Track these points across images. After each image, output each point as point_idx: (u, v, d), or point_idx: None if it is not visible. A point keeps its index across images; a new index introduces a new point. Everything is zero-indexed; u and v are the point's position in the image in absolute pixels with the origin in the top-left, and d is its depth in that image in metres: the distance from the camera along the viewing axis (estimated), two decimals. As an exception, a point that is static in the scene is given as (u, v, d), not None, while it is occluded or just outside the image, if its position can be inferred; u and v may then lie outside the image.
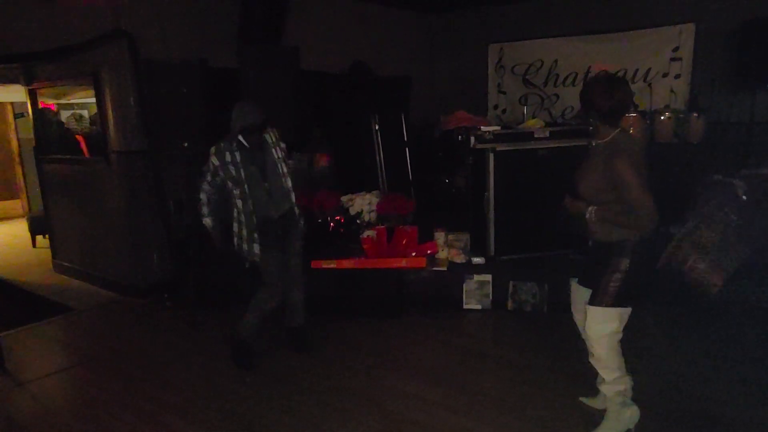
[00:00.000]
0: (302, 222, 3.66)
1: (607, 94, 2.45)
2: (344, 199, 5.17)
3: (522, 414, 2.92)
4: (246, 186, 3.37)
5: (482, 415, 2.96)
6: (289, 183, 3.52)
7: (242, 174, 3.35)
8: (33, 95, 5.80)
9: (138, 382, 3.51)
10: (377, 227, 4.82)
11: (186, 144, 4.40)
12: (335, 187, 5.51)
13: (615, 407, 2.66)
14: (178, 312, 4.62)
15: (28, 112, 6.02)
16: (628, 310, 2.56)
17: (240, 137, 3.32)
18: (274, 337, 3.92)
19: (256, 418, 3.03)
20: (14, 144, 8.67)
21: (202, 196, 3.47)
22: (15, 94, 6.89)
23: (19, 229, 7.87)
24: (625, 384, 2.63)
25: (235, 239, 3.50)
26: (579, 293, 2.79)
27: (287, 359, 3.69)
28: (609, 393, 2.65)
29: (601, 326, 2.56)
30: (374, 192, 5.25)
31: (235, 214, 3.46)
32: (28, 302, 5.12)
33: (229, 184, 3.39)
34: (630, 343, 2.79)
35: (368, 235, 4.74)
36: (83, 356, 3.98)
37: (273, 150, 3.45)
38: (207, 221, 3.50)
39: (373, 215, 5.06)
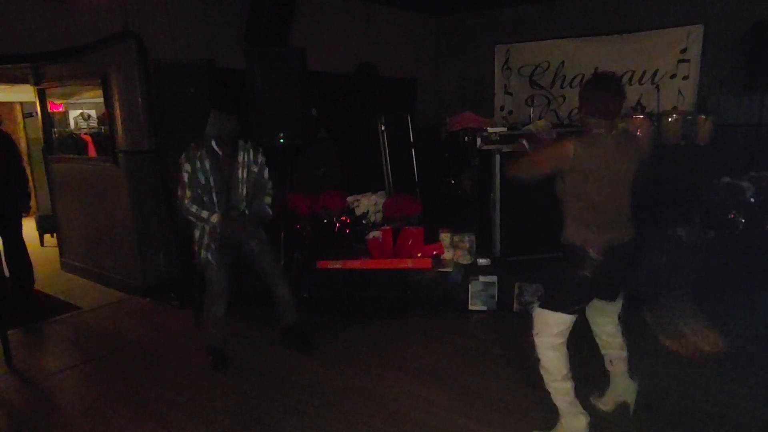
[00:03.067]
0: (254, 236, 3.60)
1: (589, 92, 2.49)
2: (350, 199, 5.17)
3: (526, 416, 2.91)
4: (214, 194, 3.44)
5: (486, 416, 2.95)
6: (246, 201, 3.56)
7: (211, 182, 3.42)
8: (42, 95, 5.84)
9: (143, 380, 3.53)
10: (383, 228, 4.82)
11: (193, 144, 4.41)
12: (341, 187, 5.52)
13: (564, 414, 2.59)
14: (183, 311, 4.63)
15: (36, 112, 6.06)
16: (560, 316, 2.49)
17: (213, 144, 3.39)
18: (277, 338, 3.93)
19: (260, 417, 3.03)
20: (23, 143, 8.72)
21: (189, 215, 3.44)
22: (24, 93, 6.94)
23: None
24: (567, 393, 2.55)
25: (195, 245, 3.53)
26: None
27: (291, 359, 3.69)
28: (553, 399, 2.59)
29: (536, 326, 2.57)
30: (380, 193, 5.25)
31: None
32: (35, 300, 5.15)
33: (198, 191, 3.42)
34: (633, 345, 2.78)
35: (374, 236, 4.74)
36: (89, 354, 4.00)
37: (239, 170, 3.50)
38: (213, 218, 3.41)
39: (379, 216, 5.05)
